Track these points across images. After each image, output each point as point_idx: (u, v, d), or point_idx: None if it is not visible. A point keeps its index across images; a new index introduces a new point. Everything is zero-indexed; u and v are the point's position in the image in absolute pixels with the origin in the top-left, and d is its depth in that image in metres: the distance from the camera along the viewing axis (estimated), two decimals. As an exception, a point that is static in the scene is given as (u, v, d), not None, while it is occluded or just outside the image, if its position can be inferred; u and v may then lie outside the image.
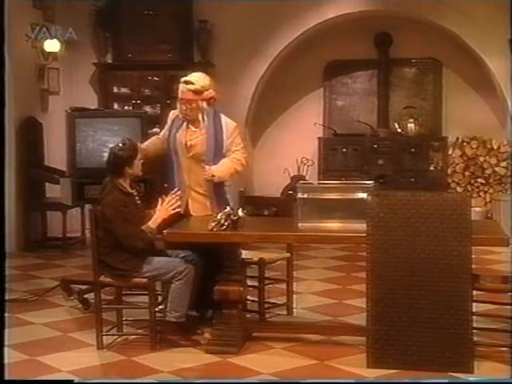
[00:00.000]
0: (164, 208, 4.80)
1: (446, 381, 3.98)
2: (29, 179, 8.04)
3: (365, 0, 8.65)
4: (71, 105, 8.49)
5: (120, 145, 4.85)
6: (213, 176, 5.01)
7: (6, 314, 5.54)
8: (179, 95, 5.14)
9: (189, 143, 5.12)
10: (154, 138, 5.41)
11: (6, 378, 3.69)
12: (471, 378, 4.03)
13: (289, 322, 5.29)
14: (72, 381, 3.89)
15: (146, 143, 5.29)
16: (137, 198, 4.92)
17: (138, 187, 5.15)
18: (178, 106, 5.19)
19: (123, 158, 4.79)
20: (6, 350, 4.71)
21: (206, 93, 5.09)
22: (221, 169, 5.06)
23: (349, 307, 5.64)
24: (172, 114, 5.31)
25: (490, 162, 9.03)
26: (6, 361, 4.49)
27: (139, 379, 4.22)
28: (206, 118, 5.13)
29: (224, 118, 5.21)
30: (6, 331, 5.09)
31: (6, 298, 5.92)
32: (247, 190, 8.21)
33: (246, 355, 4.62)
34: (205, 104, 5.10)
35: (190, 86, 5.07)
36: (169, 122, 5.28)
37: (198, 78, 5.14)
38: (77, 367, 4.44)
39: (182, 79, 5.16)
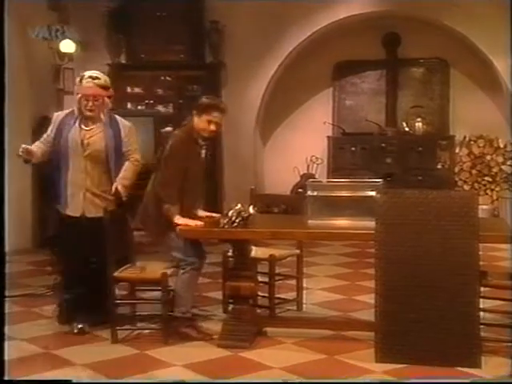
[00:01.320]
0: (191, 222, 4.69)
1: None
2: (45, 177, 8.04)
3: (373, 1, 8.64)
4: (86, 104, 8.49)
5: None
6: (119, 194, 4.91)
7: (22, 309, 5.60)
8: (84, 91, 4.89)
9: (85, 141, 4.92)
10: (37, 142, 5.11)
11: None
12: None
13: (299, 318, 5.29)
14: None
15: (32, 146, 5.06)
16: (203, 152, 4.89)
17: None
18: (78, 102, 4.92)
19: (198, 102, 4.85)
20: (22, 344, 4.78)
21: (111, 90, 5.02)
22: (127, 177, 4.97)
23: (357, 303, 5.63)
24: (56, 116, 5.08)
25: (497, 161, 9.00)
26: (18, 355, 4.55)
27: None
28: (104, 116, 4.99)
29: (119, 118, 5.08)
30: (22, 325, 5.16)
31: (23, 292, 5.99)
32: (258, 188, 8.20)
33: (257, 350, 4.62)
34: (108, 101, 4.99)
35: (98, 81, 4.91)
36: (53, 124, 5.03)
37: (101, 75, 5.01)
38: (91, 361, 4.44)
39: (87, 74, 4.94)
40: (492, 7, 8.27)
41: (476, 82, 9.13)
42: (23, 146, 4.97)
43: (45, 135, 5.06)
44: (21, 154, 4.94)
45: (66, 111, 5.10)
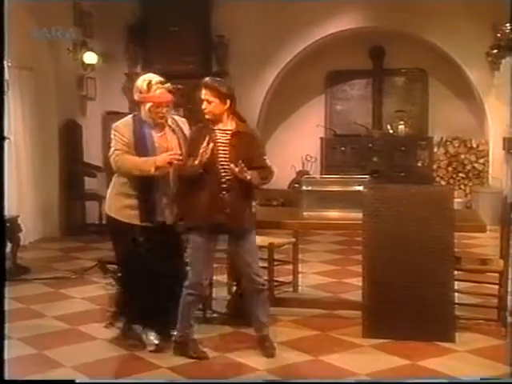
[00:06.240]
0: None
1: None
2: (70, 173, 8.07)
3: (362, 17, 8.61)
4: (106, 109, 8.51)
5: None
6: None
7: (51, 290, 5.61)
8: (156, 99, 4.04)
9: (164, 147, 4.09)
10: (128, 156, 4.04)
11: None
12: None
13: (295, 298, 5.27)
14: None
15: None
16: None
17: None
18: (149, 111, 4.06)
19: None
20: (52, 321, 4.78)
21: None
22: None
23: (347, 285, 5.63)
24: (124, 126, 4.09)
25: (470, 159, 9.00)
26: (48, 330, 4.56)
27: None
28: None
29: (176, 117, 4.33)
30: (52, 304, 5.17)
31: (51, 276, 6.00)
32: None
33: (258, 326, 4.61)
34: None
35: (167, 86, 4.11)
36: (122, 135, 4.06)
37: (162, 78, 4.15)
38: (111, 336, 4.43)
39: (154, 80, 4.09)
40: (466, 23, 8.27)
41: (452, 89, 9.11)
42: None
43: (122, 148, 4.02)
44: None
45: (127, 120, 4.14)
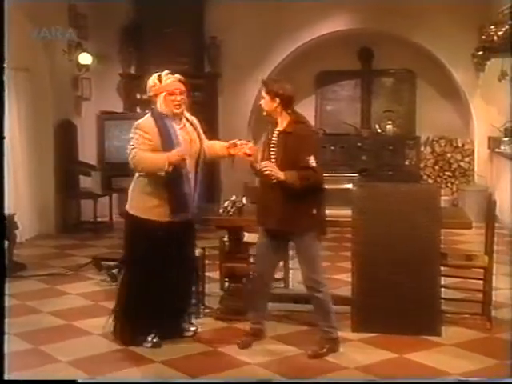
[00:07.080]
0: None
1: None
2: (65, 172, 8.05)
3: (351, 19, 8.64)
4: (101, 109, 8.47)
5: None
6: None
7: (47, 286, 5.60)
8: (169, 87, 4.05)
9: (188, 140, 4.10)
10: (148, 154, 3.99)
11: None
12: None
13: (286, 294, 5.28)
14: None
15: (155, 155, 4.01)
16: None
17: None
18: (164, 102, 4.06)
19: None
20: (47, 316, 4.77)
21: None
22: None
23: (337, 281, 5.63)
24: (144, 122, 4.05)
25: (456, 158, 9.05)
26: (44, 326, 4.55)
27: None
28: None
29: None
30: (48, 300, 5.16)
31: (47, 272, 5.99)
32: (250, 181, 8.20)
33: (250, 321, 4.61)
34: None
35: (177, 76, 4.13)
36: (145, 132, 4.01)
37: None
38: (106, 331, 4.41)
39: (163, 73, 4.13)
40: (452, 26, 8.31)
41: (438, 90, 9.15)
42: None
43: (143, 147, 3.97)
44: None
45: (147, 117, 4.10)
